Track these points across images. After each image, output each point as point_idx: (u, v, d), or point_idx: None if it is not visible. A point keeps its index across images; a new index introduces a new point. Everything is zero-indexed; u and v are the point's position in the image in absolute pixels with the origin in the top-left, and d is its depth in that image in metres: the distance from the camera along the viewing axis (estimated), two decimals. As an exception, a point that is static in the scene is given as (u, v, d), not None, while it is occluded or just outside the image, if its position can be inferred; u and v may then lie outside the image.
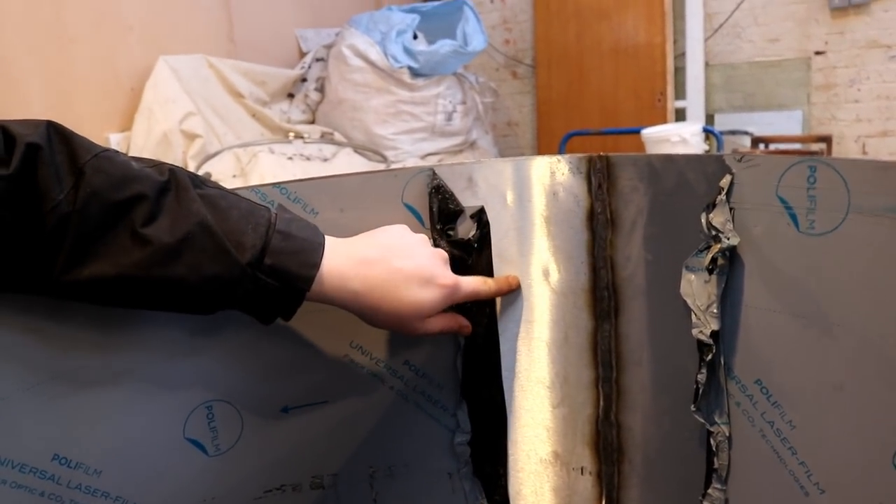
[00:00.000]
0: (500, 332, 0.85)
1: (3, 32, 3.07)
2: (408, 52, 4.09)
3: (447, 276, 0.74)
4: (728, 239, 0.75)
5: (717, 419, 0.80)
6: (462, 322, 0.79)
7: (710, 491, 0.81)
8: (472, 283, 0.77)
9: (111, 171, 0.61)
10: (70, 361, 0.69)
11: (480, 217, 0.81)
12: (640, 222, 0.85)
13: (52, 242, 0.59)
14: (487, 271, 0.82)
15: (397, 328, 0.74)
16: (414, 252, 0.73)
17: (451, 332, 0.78)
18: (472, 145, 4.51)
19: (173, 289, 0.62)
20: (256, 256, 0.64)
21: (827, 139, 3.91)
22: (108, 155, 0.62)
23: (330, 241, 0.70)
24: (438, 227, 0.80)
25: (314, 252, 0.67)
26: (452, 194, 0.81)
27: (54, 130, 0.61)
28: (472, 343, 0.83)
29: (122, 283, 0.61)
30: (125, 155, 0.64)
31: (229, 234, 0.63)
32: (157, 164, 0.64)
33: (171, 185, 0.63)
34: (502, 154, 5.09)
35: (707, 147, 4.10)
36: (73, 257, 0.60)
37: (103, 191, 0.60)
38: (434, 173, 0.82)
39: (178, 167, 0.65)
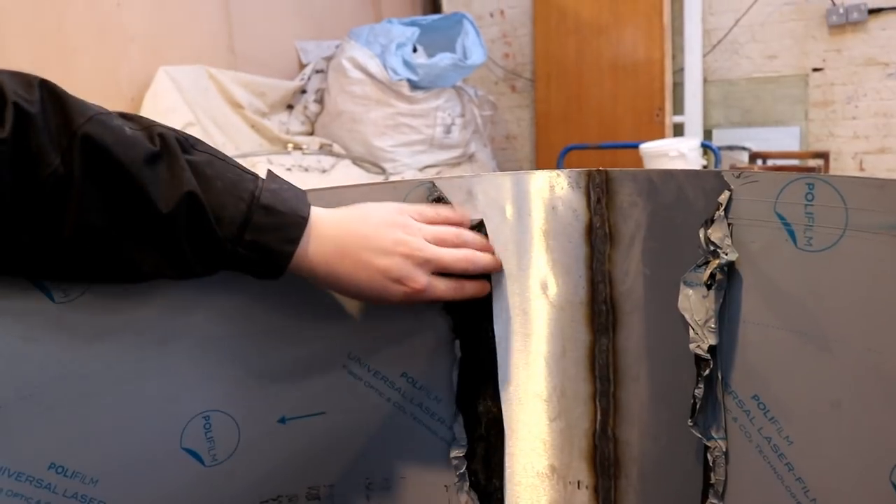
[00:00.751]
0: (497, 344, 0.85)
1: (5, 41, 3.08)
2: (407, 64, 4.11)
3: (418, 279, 0.73)
4: (726, 254, 0.75)
5: (714, 434, 0.80)
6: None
7: (706, 506, 0.81)
8: (442, 290, 0.75)
9: (104, 137, 0.61)
10: (68, 371, 0.69)
11: (480, 230, 0.81)
12: (639, 237, 0.85)
13: (52, 208, 0.60)
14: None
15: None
16: (390, 249, 0.72)
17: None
18: (470, 158, 4.52)
19: (164, 255, 0.63)
20: (235, 232, 0.64)
21: (824, 155, 3.93)
22: (101, 119, 0.62)
23: (315, 216, 0.70)
24: None
25: (296, 227, 0.67)
26: (453, 207, 0.82)
27: (48, 92, 0.61)
28: (469, 355, 0.84)
29: (115, 240, 0.62)
30: (118, 117, 0.64)
31: (212, 206, 0.63)
32: (148, 127, 0.65)
33: (162, 153, 0.63)
34: (500, 167, 5.10)
35: (705, 162, 4.11)
36: (73, 221, 0.60)
37: (96, 157, 0.60)
38: (434, 185, 0.82)
39: (168, 131, 0.65)
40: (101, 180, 0.61)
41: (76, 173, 0.60)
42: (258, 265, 0.67)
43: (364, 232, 0.72)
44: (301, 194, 0.70)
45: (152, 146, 0.63)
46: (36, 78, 0.61)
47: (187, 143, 0.66)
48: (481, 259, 0.78)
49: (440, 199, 0.82)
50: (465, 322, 0.81)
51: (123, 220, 0.62)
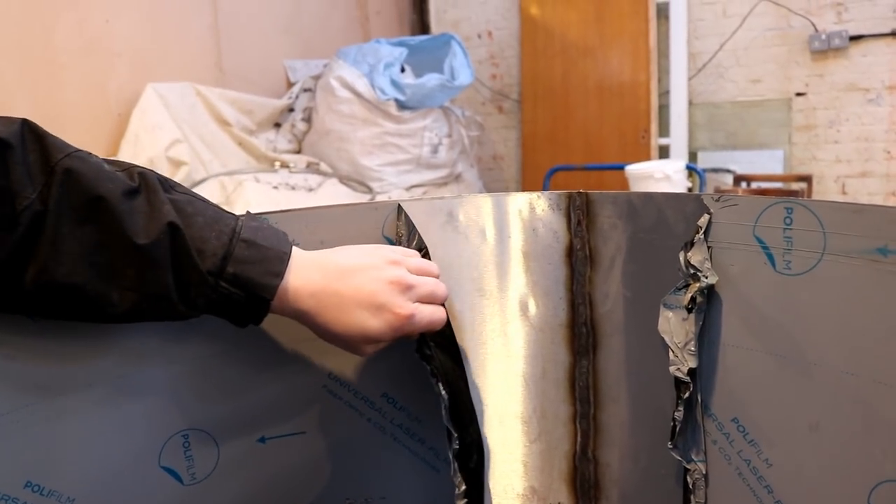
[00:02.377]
0: (478, 366, 0.85)
1: (-8, 56, 3.08)
2: (395, 84, 4.12)
3: (403, 306, 0.70)
4: (706, 277, 0.75)
5: (693, 457, 0.80)
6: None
7: (686, 529, 0.81)
8: (427, 316, 0.72)
9: (83, 171, 0.60)
10: (46, 389, 0.68)
11: (427, 257, 0.81)
12: (619, 259, 0.85)
13: (26, 243, 0.58)
14: None
15: (347, 350, 0.72)
16: (373, 276, 0.70)
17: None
18: (457, 178, 4.54)
19: (142, 293, 0.62)
20: (218, 265, 0.63)
21: (807, 178, 3.97)
22: (80, 155, 0.61)
23: (297, 253, 0.69)
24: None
25: (279, 261, 0.66)
26: (415, 233, 0.81)
27: (28, 129, 0.60)
28: (452, 391, 0.83)
29: (89, 278, 0.60)
30: (97, 157, 0.63)
31: (193, 239, 0.63)
32: (128, 168, 0.64)
33: (141, 188, 0.63)
34: (487, 187, 5.12)
35: (690, 184, 4.14)
36: (47, 257, 0.59)
37: (75, 190, 0.60)
38: (400, 207, 0.82)
39: (148, 170, 0.65)
40: (77, 213, 0.60)
41: (52, 209, 0.59)
42: (241, 303, 0.65)
43: (347, 264, 0.71)
44: (282, 233, 0.70)
45: (132, 182, 0.62)
46: (20, 118, 0.61)
47: (167, 184, 0.66)
48: (444, 287, 0.76)
49: (408, 225, 0.82)
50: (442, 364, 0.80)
51: (100, 255, 0.60)
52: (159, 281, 0.62)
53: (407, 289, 0.71)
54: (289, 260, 0.67)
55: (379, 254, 0.73)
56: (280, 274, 0.66)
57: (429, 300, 0.73)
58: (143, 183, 0.63)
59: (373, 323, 0.69)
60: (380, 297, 0.70)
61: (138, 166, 0.65)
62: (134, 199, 0.62)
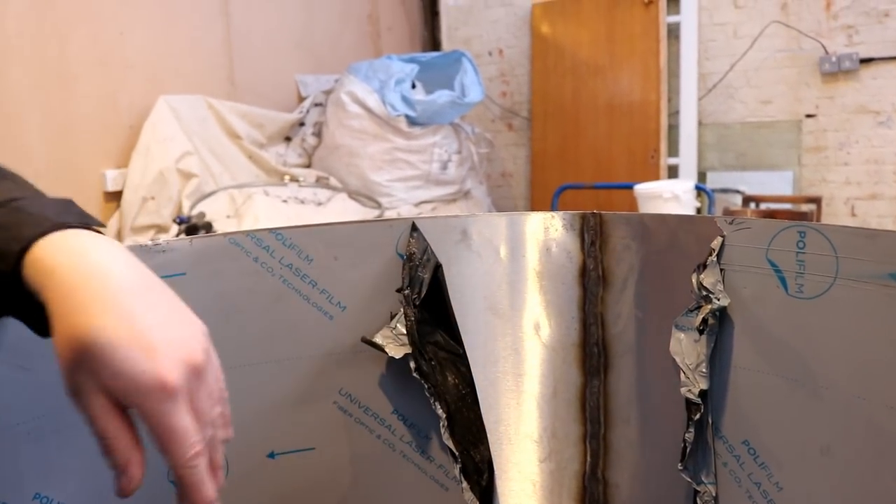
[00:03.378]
0: (489, 385, 0.85)
1: (7, 68, 3.10)
2: (406, 100, 4.14)
3: (177, 375, 0.48)
4: (718, 300, 0.75)
5: (703, 479, 0.80)
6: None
7: (695, 552, 0.81)
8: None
9: None
10: (58, 401, 0.68)
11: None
12: (632, 280, 0.85)
13: None
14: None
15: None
16: (182, 320, 0.52)
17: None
18: (466, 195, 4.54)
19: None
20: None
21: (817, 200, 3.96)
22: None
23: (84, 235, 0.51)
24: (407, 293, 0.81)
25: (36, 227, 0.50)
26: (428, 250, 0.82)
27: None
28: (457, 411, 0.83)
29: None
30: None
31: None
32: None
33: None
34: (496, 204, 5.12)
35: (699, 204, 4.13)
36: None
37: None
38: (414, 226, 0.82)
39: None
40: None
41: None
42: None
43: (159, 287, 0.52)
44: (84, 213, 0.54)
45: None
46: None
47: None
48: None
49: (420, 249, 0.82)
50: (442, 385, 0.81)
51: None
52: None
53: (198, 375, 0.50)
54: (56, 231, 0.50)
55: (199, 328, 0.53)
56: (26, 238, 0.49)
57: (207, 417, 0.51)
58: None
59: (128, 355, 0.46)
60: (158, 337, 0.48)
61: None
62: None
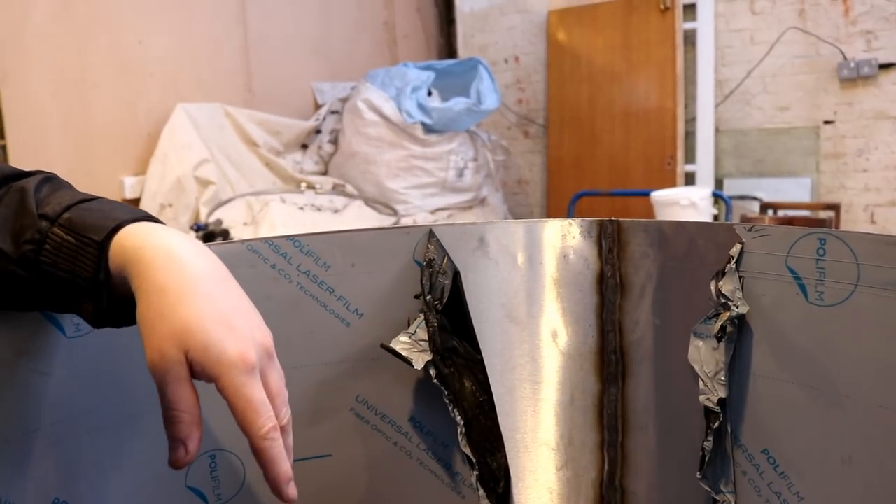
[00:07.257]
0: (506, 392, 0.85)
1: (28, 76, 3.13)
2: (422, 108, 4.15)
3: (252, 351, 0.54)
4: (737, 307, 0.75)
5: (722, 488, 0.79)
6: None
7: (714, 561, 0.80)
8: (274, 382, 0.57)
9: None
10: (76, 406, 0.69)
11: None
12: (650, 287, 0.85)
13: None
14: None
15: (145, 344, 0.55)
16: (250, 311, 0.57)
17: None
18: (482, 202, 4.54)
19: None
20: (57, 211, 0.56)
21: (836, 207, 3.93)
22: None
23: (164, 227, 0.57)
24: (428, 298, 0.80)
25: (126, 213, 0.57)
26: (446, 257, 0.82)
27: None
28: (474, 418, 0.83)
29: None
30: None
31: (42, 194, 0.58)
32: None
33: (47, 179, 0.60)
34: (512, 211, 5.12)
35: (716, 211, 4.11)
36: None
37: None
38: (432, 233, 0.82)
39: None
40: None
41: None
42: (72, 255, 0.55)
43: (230, 280, 0.58)
44: (152, 216, 0.59)
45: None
46: None
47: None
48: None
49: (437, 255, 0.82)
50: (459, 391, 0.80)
51: None
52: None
53: (270, 356, 0.57)
54: (144, 220, 0.57)
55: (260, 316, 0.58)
56: (119, 219, 0.56)
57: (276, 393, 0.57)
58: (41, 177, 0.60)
59: (219, 336, 0.53)
60: (238, 320, 0.54)
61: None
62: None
